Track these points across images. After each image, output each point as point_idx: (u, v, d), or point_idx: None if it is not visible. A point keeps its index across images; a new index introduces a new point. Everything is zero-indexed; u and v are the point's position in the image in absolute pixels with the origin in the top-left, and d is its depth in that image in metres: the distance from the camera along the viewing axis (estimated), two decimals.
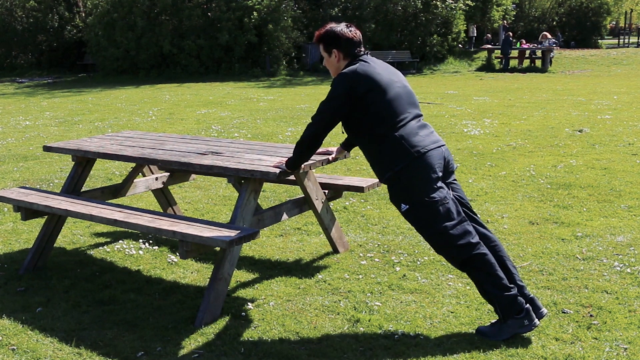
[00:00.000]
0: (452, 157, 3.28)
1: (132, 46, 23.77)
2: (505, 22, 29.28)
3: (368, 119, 3.14)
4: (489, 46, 26.79)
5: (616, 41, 38.47)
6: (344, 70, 3.19)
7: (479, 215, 3.38)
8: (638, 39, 39.64)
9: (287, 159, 3.45)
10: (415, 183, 3.10)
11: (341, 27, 3.28)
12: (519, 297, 3.11)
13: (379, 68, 3.21)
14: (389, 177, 3.15)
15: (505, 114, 11.24)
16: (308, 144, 3.28)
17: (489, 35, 30.94)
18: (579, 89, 16.10)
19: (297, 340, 3.19)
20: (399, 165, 3.09)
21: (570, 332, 3.17)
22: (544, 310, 3.21)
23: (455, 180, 3.31)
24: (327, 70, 24.52)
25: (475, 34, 30.39)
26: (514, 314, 3.09)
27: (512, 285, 3.13)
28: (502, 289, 3.10)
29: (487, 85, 18.38)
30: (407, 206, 3.13)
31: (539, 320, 3.15)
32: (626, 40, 37.26)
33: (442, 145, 3.22)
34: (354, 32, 3.28)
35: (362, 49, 3.30)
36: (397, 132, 3.10)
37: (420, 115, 3.25)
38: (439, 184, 3.11)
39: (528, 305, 3.13)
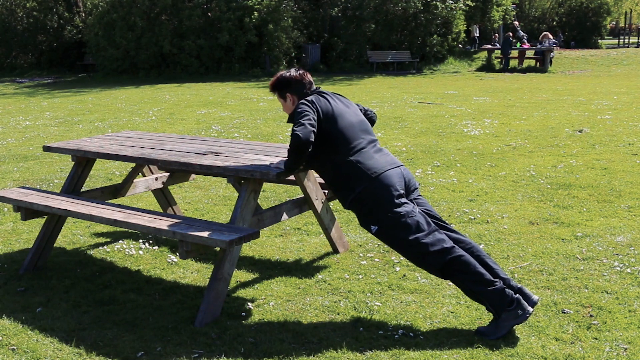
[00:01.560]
0: (412, 176, 3.44)
1: (132, 46, 23.77)
2: (517, 22, 29.12)
3: (324, 148, 3.32)
4: (489, 46, 26.78)
5: (616, 41, 38.46)
6: (300, 101, 3.39)
7: (449, 223, 3.53)
8: (638, 39, 39.64)
9: (285, 160, 3.48)
10: (378, 202, 3.23)
11: (290, 72, 3.56)
12: (506, 289, 3.14)
13: (331, 99, 3.44)
14: (352, 201, 3.29)
15: (505, 114, 11.24)
16: (297, 152, 3.28)
17: (497, 35, 30.76)
18: (579, 89, 16.10)
19: (297, 340, 3.19)
20: (359, 187, 3.24)
21: (570, 332, 3.17)
22: (535, 297, 3.23)
23: (420, 195, 3.45)
24: (327, 70, 24.20)
25: (477, 34, 30.34)
26: (505, 306, 3.11)
27: (496, 280, 3.17)
28: (486, 284, 3.14)
29: (487, 85, 18.38)
30: (377, 227, 3.26)
31: (532, 307, 3.16)
32: (626, 40, 37.25)
33: (400, 166, 3.38)
34: (302, 74, 3.54)
35: (314, 87, 3.54)
36: (352, 157, 3.29)
37: (375, 141, 3.44)
38: (402, 199, 3.25)
39: (517, 295, 3.15)
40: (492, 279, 3.16)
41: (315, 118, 3.28)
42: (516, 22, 28.26)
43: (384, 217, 3.21)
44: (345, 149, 3.30)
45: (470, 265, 3.16)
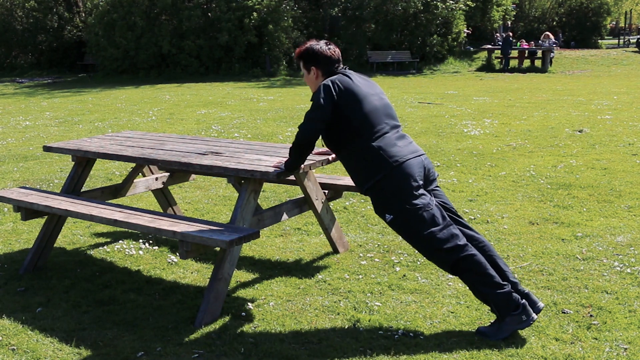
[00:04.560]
0: (432, 166, 3.36)
1: (132, 46, 23.78)
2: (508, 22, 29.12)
3: (346, 132, 3.23)
4: (489, 46, 26.77)
5: (616, 41, 38.45)
6: (324, 81, 3.28)
7: (464, 218, 3.44)
8: (638, 39, 39.60)
9: (285, 160, 3.46)
10: (396, 192, 3.16)
11: (320, 45, 3.41)
12: (514, 294, 3.13)
13: (357, 81, 3.32)
14: (369, 188, 3.22)
15: (505, 114, 11.24)
16: (301, 149, 3.31)
17: (498, 35, 30.68)
18: (579, 89, 16.10)
19: (297, 340, 3.19)
20: (378, 175, 3.16)
21: (570, 332, 3.17)
22: (541, 304, 3.22)
23: (437, 187, 3.38)
24: None
25: (465, 35, 30.27)
26: (511, 310, 3.10)
27: (505, 283, 3.15)
28: (494, 287, 3.12)
29: (487, 85, 18.38)
30: (392, 216, 3.19)
31: (536, 314, 3.16)
32: (626, 41, 37.23)
33: (422, 155, 3.29)
34: (332, 50, 3.40)
35: (341, 66, 3.41)
36: (374, 143, 3.19)
37: (398, 126, 3.34)
38: (421, 191, 3.18)
39: (524, 300, 3.14)
40: (501, 282, 3.13)
41: (330, 110, 3.18)
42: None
43: (400, 207, 3.14)
44: (368, 134, 3.18)
45: (481, 265, 3.12)
